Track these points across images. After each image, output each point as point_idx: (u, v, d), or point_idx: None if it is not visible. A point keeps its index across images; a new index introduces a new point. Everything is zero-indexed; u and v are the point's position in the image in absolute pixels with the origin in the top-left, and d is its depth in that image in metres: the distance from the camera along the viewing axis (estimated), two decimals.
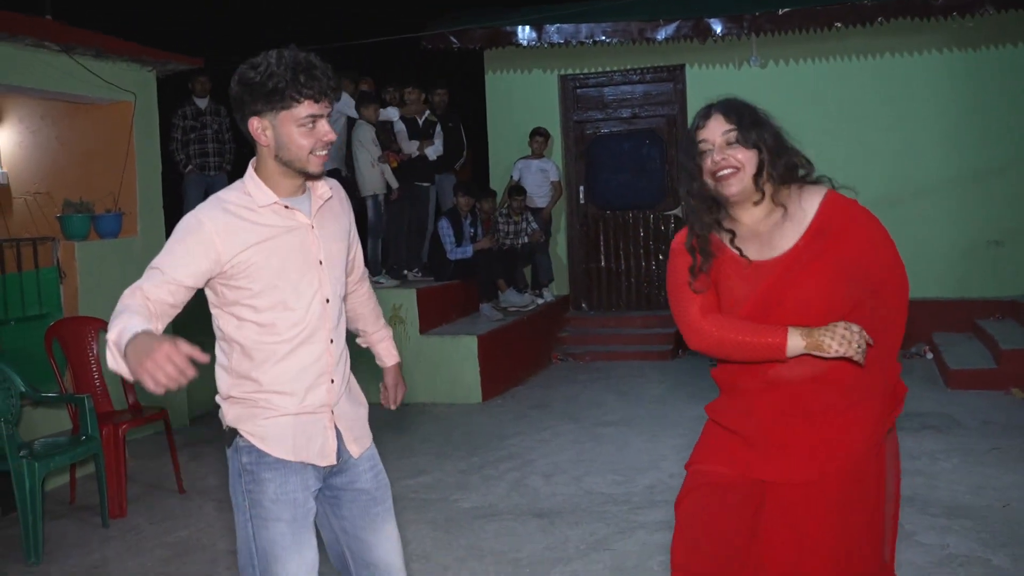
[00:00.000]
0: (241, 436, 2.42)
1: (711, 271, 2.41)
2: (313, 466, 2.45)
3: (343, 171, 8.44)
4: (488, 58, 10.34)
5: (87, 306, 6.12)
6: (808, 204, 2.37)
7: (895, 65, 9.26)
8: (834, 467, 2.35)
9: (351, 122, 8.53)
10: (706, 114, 2.39)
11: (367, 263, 8.27)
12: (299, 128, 2.29)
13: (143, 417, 5.53)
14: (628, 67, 10.01)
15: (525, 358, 8.64)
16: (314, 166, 2.35)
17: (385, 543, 2.58)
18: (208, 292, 2.41)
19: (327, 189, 2.49)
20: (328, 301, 2.46)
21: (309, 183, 2.46)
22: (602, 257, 10.30)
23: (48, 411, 5.66)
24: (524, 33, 9.70)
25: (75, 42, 6.02)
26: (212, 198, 2.40)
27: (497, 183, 10.16)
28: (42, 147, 6.91)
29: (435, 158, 8.92)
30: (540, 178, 9.69)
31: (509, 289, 9.02)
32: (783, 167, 2.36)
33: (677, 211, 9.78)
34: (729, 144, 2.33)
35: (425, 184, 8.98)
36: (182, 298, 2.30)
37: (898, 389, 2.48)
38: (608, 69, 10.07)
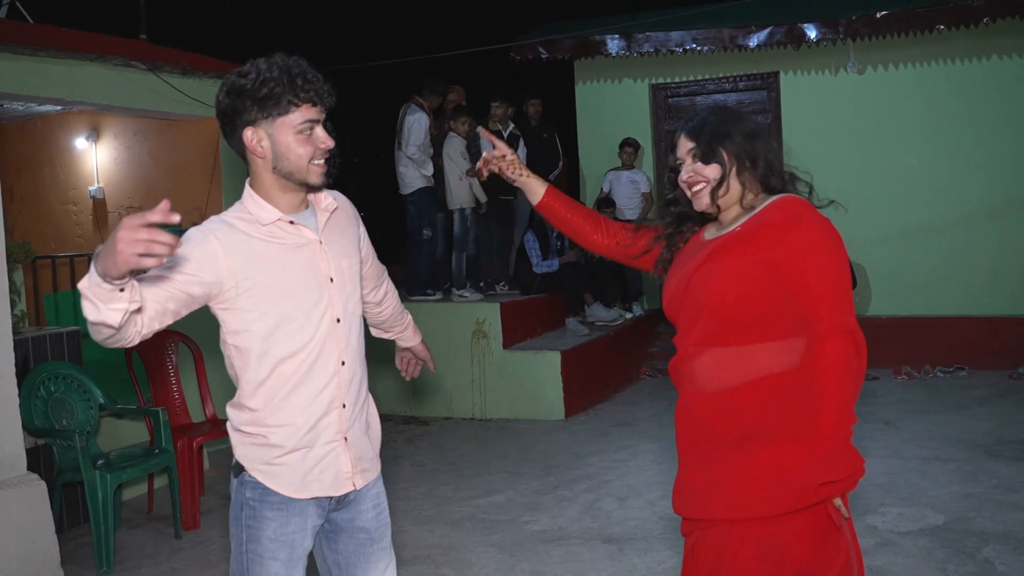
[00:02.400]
0: (247, 472, 2.33)
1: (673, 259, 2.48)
2: (316, 502, 2.35)
3: (433, 186, 8.39)
4: (578, 68, 10.25)
5: None
6: (765, 202, 2.31)
7: (1005, 68, 8.76)
8: (722, 518, 2.20)
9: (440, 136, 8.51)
10: (679, 131, 2.40)
11: (451, 276, 8.35)
12: (297, 135, 2.18)
13: (219, 430, 5.59)
14: (720, 75, 9.76)
15: (611, 374, 8.47)
16: (315, 176, 2.23)
17: None
18: (218, 325, 2.33)
19: (331, 200, 2.37)
20: (339, 321, 2.33)
21: (311, 197, 2.34)
22: None
23: (129, 422, 5.79)
24: (613, 42, 9.57)
25: (162, 61, 6.19)
26: (214, 218, 2.28)
27: (588, 195, 10.04)
28: (135, 162, 7.13)
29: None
30: (630, 189, 9.52)
31: (596, 303, 8.87)
32: (752, 175, 2.31)
33: None
34: (694, 160, 2.32)
35: (509, 197, 8.91)
36: (176, 300, 2.11)
37: (834, 454, 2.11)
38: (700, 78, 9.84)
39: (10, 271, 4.57)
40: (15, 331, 4.55)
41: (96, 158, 7.42)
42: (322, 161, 2.24)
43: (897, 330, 8.78)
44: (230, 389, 2.40)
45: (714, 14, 9.51)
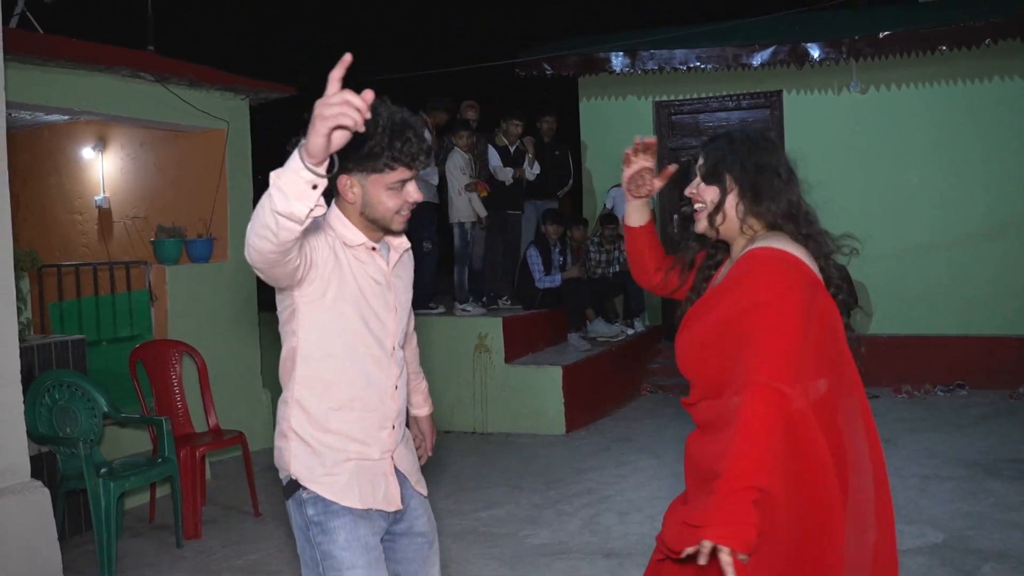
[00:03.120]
0: (304, 489, 2.36)
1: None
2: (379, 512, 2.42)
3: (436, 201, 8.43)
4: (582, 85, 10.30)
5: (177, 329, 6.28)
6: (749, 248, 2.20)
7: (1006, 89, 8.82)
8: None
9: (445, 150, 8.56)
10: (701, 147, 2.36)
11: (454, 289, 8.38)
12: (388, 191, 2.30)
13: (222, 440, 5.62)
14: (723, 93, 9.81)
15: (612, 389, 8.48)
16: (398, 225, 2.37)
17: None
18: (288, 317, 2.36)
19: (404, 240, 2.51)
20: (394, 349, 2.46)
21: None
22: None
23: (133, 431, 5.81)
24: (618, 59, 9.63)
25: (170, 72, 6.23)
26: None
27: (591, 211, 10.07)
28: (141, 173, 7.17)
29: (534, 179, 8.88)
30: None
31: (597, 319, 8.90)
32: (752, 209, 2.20)
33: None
34: (700, 177, 2.29)
35: (516, 212, 8.95)
36: (310, 254, 2.21)
37: (719, 503, 1.89)
38: (703, 95, 9.89)
39: (16, 279, 4.60)
40: (21, 339, 4.57)
41: (102, 168, 7.46)
42: (407, 212, 2.37)
43: (897, 348, 8.79)
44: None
45: (718, 33, 9.56)
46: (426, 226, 8.21)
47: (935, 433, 6.98)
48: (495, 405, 7.73)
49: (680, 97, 9.99)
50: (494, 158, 8.74)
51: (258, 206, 1.94)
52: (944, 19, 8.54)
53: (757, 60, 9.11)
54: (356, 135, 2.05)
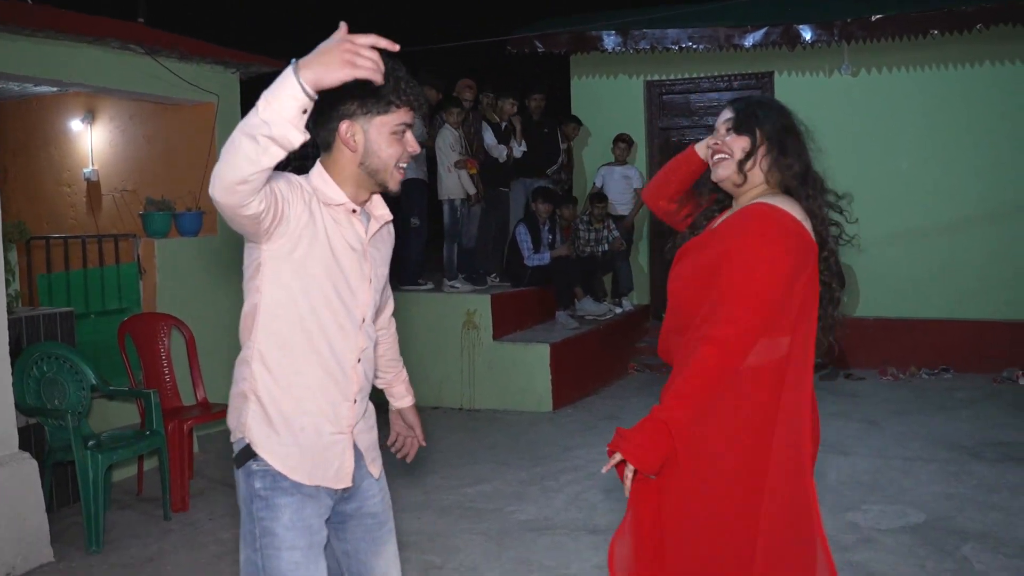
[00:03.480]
0: (256, 459, 2.26)
1: None
2: (326, 491, 2.34)
3: (425, 179, 8.42)
4: (574, 63, 10.28)
5: (165, 302, 6.28)
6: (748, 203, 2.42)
7: (995, 74, 8.85)
8: None
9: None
10: (725, 106, 2.52)
11: (443, 265, 8.39)
12: (391, 136, 2.25)
13: (210, 414, 5.63)
14: (715, 74, 9.80)
15: (600, 368, 8.52)
16: (394, 182, 2.30)
17: (388, 565, 2.54)
18: (253, 273, 2.24)
19: (385, 212, 2.42)
20: (364, 321, 2.36)
21: (369, 202, 2.39)
22: None
23: (121, 404, 5.82)
24: (610, 38, 9.60)
25: (160, 45, 6.19)
26: (286, 174, 2.25)
27: (581, 190, 10.08)
28: (130, 146, 7.14)
29: (520, 156, 8.89)
30: (623, 185, 9.56)
31: (586, 297, 8.93)
32: (777, 166, 2.39)
33: None
34: (727, 131, 2.43)
35: (504, 189, 8.96)
36: (278, 202, 2.10)
37: (641, 423, 2.25)
38: (695, 75, 9.89)
39: (5, 251, 4.60)
40: (9, 311, 4.57)
41: (91, 140, 7.42)
42: (404, 166, 2.31)
43: (883, 331, 8.86)
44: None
45: (710, 13, 9.54)
46: (415, 203, 8.20)
47: (919, 416, 7.05)
48: (483, 382, 7.76)
49: (671, 77, 9.98)
50: (488, 135, 8.74)
51: (237, 131, 1.90)
52: (936, 3, 8.54)
53: (749, 41, 9.10)
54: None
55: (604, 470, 2.30)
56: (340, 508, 2.43)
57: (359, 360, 2.35)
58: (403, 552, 4.45)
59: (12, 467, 4.36)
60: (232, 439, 2.34)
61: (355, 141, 2.24)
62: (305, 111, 1.86)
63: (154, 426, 5.11)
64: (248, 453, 2.27)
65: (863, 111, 9.19)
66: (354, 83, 2.07)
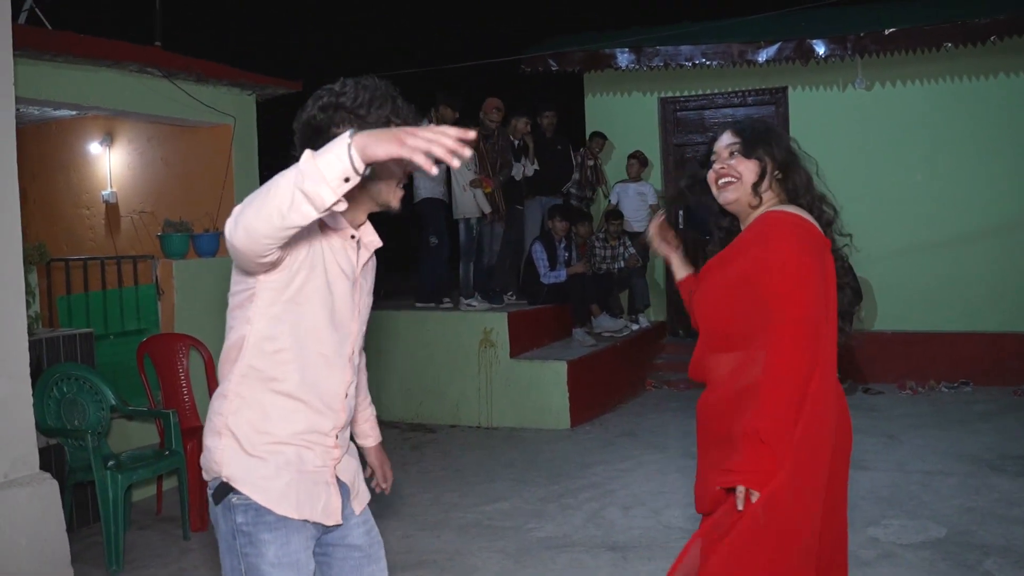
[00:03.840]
0: (236, 493, 2.13)
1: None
2: (312, 523, 2.22)
3: (444, 198, 8.45)
4: (588, 81, 10.31)
5: (183, 323, 6.31)
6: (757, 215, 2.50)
7: (1011, 86, 8.83)
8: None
9: None
10: (723, 130, 2.55)
11: (459, 284, 8.41)
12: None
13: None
14: (729, 90, 9.82)
15: (617, 384, 8.50)
16: (396, 200, 2.24)
17: None
18: (243, 301, 2.19)
19: (376, 238, 2.34)
20: (352, 352, 2.30)
21: (362, 228, 2.31)
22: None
23: (141, 424, 5.85)
24: (623, 56, 9.64)
25: (177, 68, 6.26)
26: None
27: (596, 207, 10.09)
28: (148, 168, 7.21)
29: (532, 174, 8.93)
30: (638, 202, 9.57)
31: (602, 314, 8.92)
32: (787, 183, 2.48)
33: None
34: (732, 155, 2.48)
35: (518, 207, 8.99)
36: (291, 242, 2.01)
37: (741, 453, 2.28)
38: (708, 92, 9.91)
39: (25, 273, 4.62)
40: (29, 332, 4.59)
41: (110, 163, 7.50)
42: (403, 185, 2.25)
43: (901, 345, 8.81)
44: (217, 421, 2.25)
45: (723, 29, 9.57)
46: (432, 222, 8.24)
47: (939, 430, 6.99)
48: (500, 400, 7.76)
49: (685, 93, 10.00)
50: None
51: (272, 182, 1.80)
52: (949, 16, 8.54)
53: (762, 57, 9.11)
54: (353, 99, 2.13)
55: (739, 507, 2.27)
56: (324, 539, 2.33)
57: (346, 396, 2.28)
58: (421, 571, 4.48)
59: (33, 488, 4.37)
60: (206, 477, 2.22)
61: None
62: (347, 180, 1.74)
63: (173, 446, 5.13)
64: (226, 488, 2.15)
65: (877, 125, 9.17)
66: (350, 104, 2.12)
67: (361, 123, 2.13)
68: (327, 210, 1.78)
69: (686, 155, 10.07)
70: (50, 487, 4.46)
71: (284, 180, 1.78)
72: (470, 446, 7.14)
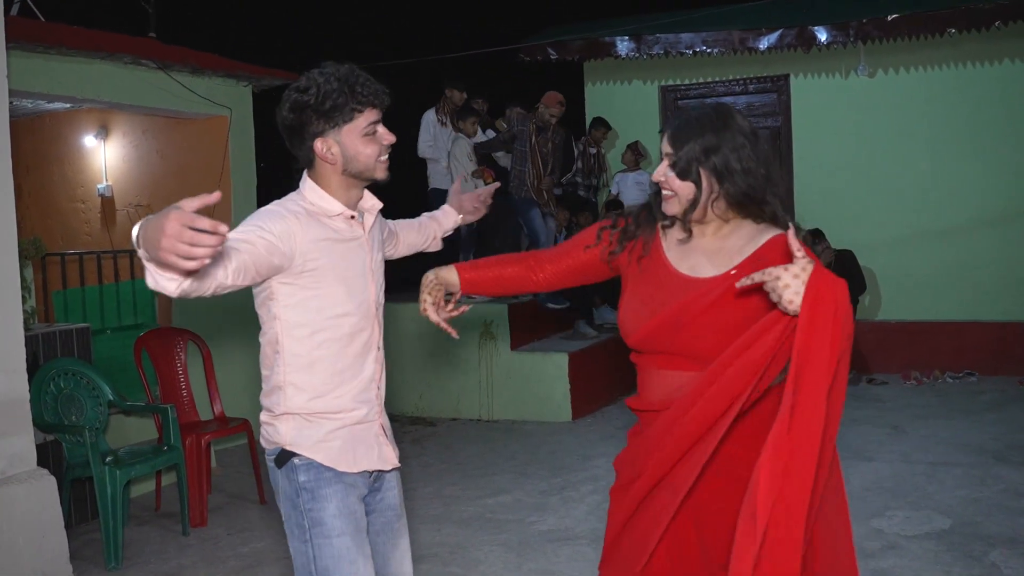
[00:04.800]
0: (297, 455, 2.37)
1: (631, 264, 2.33)
2: (362, 479, 2.46)
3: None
4: (587, 70, 10.23)
5: (181, 317, 6.27)
6: (758, 237, 2.20)
7: (1016, 72, 8.74)
8: None
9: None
10: (665, 128, 2.28)
11: None
12: (364, 138, 2.33)
13: (227, 428, 5.61)
14: (730, 77, 9.73)
15: (618, 376, 8.43)
16: (381, 172, 2.39)
17: (403, 556, 2.63)
18: (264, 300, 2.36)
19: (375, 202, 2.53)
20: (376, 310, 2.50)
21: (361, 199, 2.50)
22: None
23: (139, 419, 5.81)
24: (623, 44, 9.56)
25: (172, 59, 6.21)
26: (278, 203, 2.36)
27: (601, 197, 10.02)
28: (144, 161, 7.16)
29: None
30: (637, 191, 9.50)
31: (604, 305, 8.87)
32: (730, 199, 2.17)
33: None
34: (670, 167, 2.21)
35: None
36: (259, 264, 2.17)
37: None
38: (710, 80, 9.82)
39: (21, 268, 4.58)
40: (25, 327, 4.55)
41: (105, 156, 7.45)
42: (386, 156, 2.40)
43: (905, 335, 8.76)
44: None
45: (724, 16, 9.49)
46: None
47: (944, 420, 6.95)
48: (501, 392, 7.72)
49: (686, 82, 9.92)
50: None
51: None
52: (953, 1, 8.45)
53: (764, 44, 9.03)
54: (315, 96, 2.24)
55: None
56: (366, 499, 2.52)
57: (378, 349, 2.50)
58: (424, 564, 4.44)
59: (31, 484, 4.34)
60: (267, 452, 2.45)
61: (333, 154, 2.33)
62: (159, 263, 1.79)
63: (172, 441, 5.09)
64: (288, 454, 2.38)
65: (880, 112, 9.10)
66: (314, 102, 2.25)
67: (327, 119, 2.28)
68: (180, 285, 1.87)
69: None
70: (48, 483, 4.42)
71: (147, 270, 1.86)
72: (471, 439, 7.10)
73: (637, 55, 9.60)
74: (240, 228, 2.20)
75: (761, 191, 2.17)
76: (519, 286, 2.54)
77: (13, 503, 4.21)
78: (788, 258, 2.03)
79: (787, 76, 9.50)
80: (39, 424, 4.77)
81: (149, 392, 5.55)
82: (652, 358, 2.27)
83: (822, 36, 8.82)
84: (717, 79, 9.80)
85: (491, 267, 2.54)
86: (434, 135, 8.54)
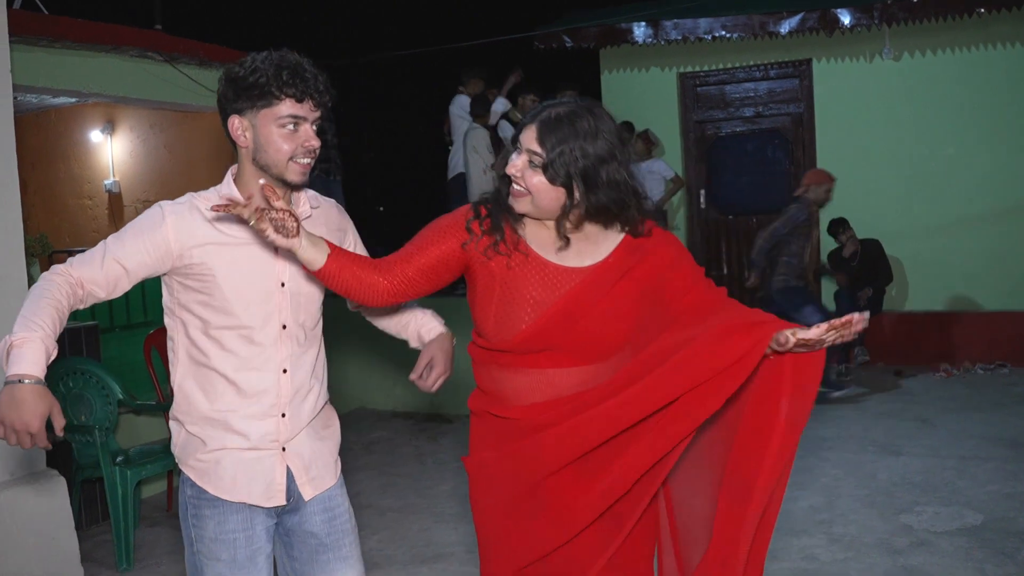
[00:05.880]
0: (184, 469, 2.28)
1: (492, 263, 2.17)
2: (259, 505, 2.27)
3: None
4: (604, 57, 10.09)
5: None
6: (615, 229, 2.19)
7: None
8: None
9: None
10: (531, 119, 2.11)
11: None
12: (279, 129, 2.14)
13: None
14: (751, 63, 9.56)
15: None
16: (293, 174, 2.17)
17: None
18: (164, 292, 2.29)
19: (308, 208, 2.31)
20: (285, 327, 2.26)
21: (293, 196, 2.28)
22: (724, 265, 9.87)
23: (149, 419, 5.75)
24: (640, 30, 9.41)
25: (178, 51, 6.15)
26: (184, 196, 2.27)
27: None
28: (151, 155, 7.12)
29: None
30: (650, 181, 9.36)
31: None
32: (591, 209, 2.09)
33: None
34: (530, 165, 2.07)
35: None
36: (116, 282, 2.16)
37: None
38: (729, 66, 9.65)
39: (27, 266, 4.53)
40: None
41: (111, 151, 7.40)
42: (305, 160, 2.18)
43: (935, 325, 8.59)
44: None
45: (744, 0, 9.32)
46: (456, 200, 8.11)
47: (975, 412, 6.78)
48: None
49: (706, 68, 9.76)
50: (506, 135, 8.60)
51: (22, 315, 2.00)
52: None
53: (785, 28, 8.85)
54: (244, 71, 2.13)
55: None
56: (284, 520, 2.35)
57: (284, 371, 2.26)
58: (439, 564, 4.35)
59: (40, 485, 4.29)
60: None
61: (245, 137, 2.18)
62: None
63: None
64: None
65: (906, 97, 8.92)
66: (240, 76, 2.13)
67: (246, 97, 2.14)
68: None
69: (707, 132, 9.85)
70: (58, 484, 4.37)
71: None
72: None
73: (654, 41, 9.44)
74: (114, 235, 2.23)
75: (627, 199, 2.10)
76: (367, 295, 2.18)
77: (23, 505, 4.17)
78: (655, 236, 2.17)
79: (809, 61, 9.32)
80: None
81: (159, 391, 5.48)
82: (533, 358, 2.15)
83: (845, 19, 8.63)
84: (737, 65, 9.63)
85: (355, 265, 2.15)
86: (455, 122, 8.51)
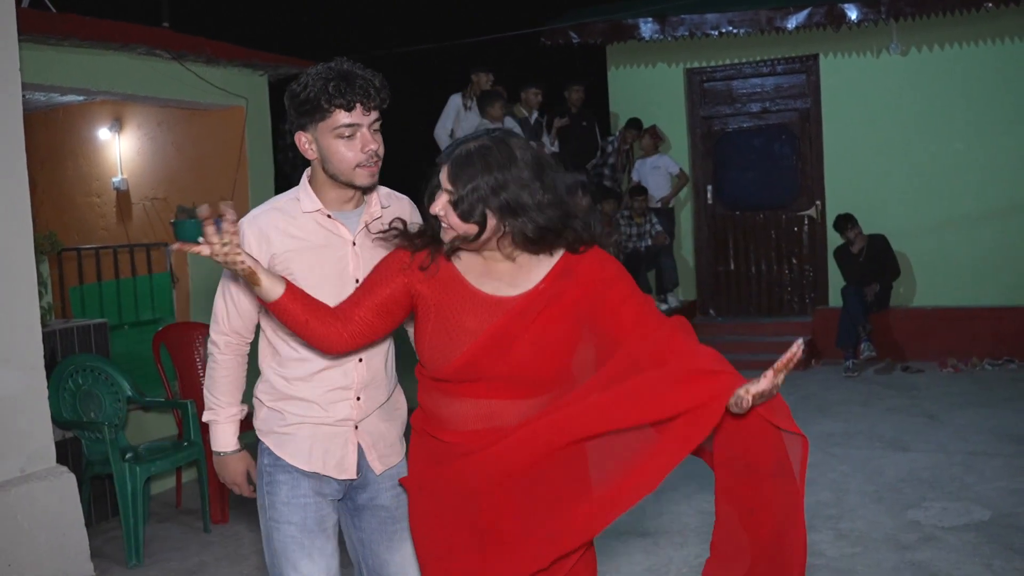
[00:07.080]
0: (263, 440, 2.49)
1: (427, 292, 2.19)
2: (328, 477, 2.46)
3: None
4: (610, 53, 10.07)
5: (199, 311, 6.23)
6: (556, 250, 2.16)
7: None
8: None
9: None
10: (445, 157, 2.12)
11: None
12: (338, 139, 2.28)
13: (248, 422, 5.53)
14: (757, 59, 9.53)
15: None
16: (361, 179, 2.32)
17: (401, 562, 2.54)
18: None
19: (379, 208, 2.44)
20: None
21: (368, 198, 2.44)
22: (731, 260, 9.85)
23: (158, 415, 5.77)
24: (647, 26, 9.38)
25: (186, 49, 6.15)
26: (267, 203, 2.48)
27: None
28: (159, 153, 7.12)
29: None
30: (656, 176, 9.37)
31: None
32: (521, 236, 2.09)
33: (811, 211, 9.31)
34: (449, 203, 2.08)
35: None
36: (251, 317, 2.46)
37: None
38: (736, 61, 9.63)
39: (37, 263, 4.54)
40: (42, 323, 4.52)
41: (119, 149, 7.41)
42: (371, 164, 2.31)
43: (943, 321, 8.55)
44: (257, 382, 2.52)
45: None
46: None
47: (982, 408, 6.77)
48: None
49: (712, 64, 9.74)
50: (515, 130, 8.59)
51: (209, 385, 2.62)
52: None
53: (792, 23, 8.82)
54: (299, 89, 2.25)
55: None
56: (354, 497, 2.53)
57: (360, 360, 2.43)
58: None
59: (50, 481, 4.30)
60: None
61: (312, 150, 2.34)
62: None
63: (192, 437, 5.03)
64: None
65: (914, 92, 8.88)
66: (295, 94, 2.26)
67: (306, 114, 2.26)
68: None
69: (714, 127, 9.84)
70: (67, 481, 4.38)
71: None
72: None
73: (661, 37, 9.42)
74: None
75: (559, 222, 2.09)
76: (316, 332, 2.17)
77: (33, 501, 4.17)
78: (588, 258, 2.14)
79: (816, 56, 9.28)
80: (57, 421, 4.73)
81: (168, 387, 5.50)
82: (471, 387, 2.14)
83: (852, 14, 8.59)
84: (744, 60, 9.61)
85: (308, 310, 2.15)
86: (457, 119, 8.45)
